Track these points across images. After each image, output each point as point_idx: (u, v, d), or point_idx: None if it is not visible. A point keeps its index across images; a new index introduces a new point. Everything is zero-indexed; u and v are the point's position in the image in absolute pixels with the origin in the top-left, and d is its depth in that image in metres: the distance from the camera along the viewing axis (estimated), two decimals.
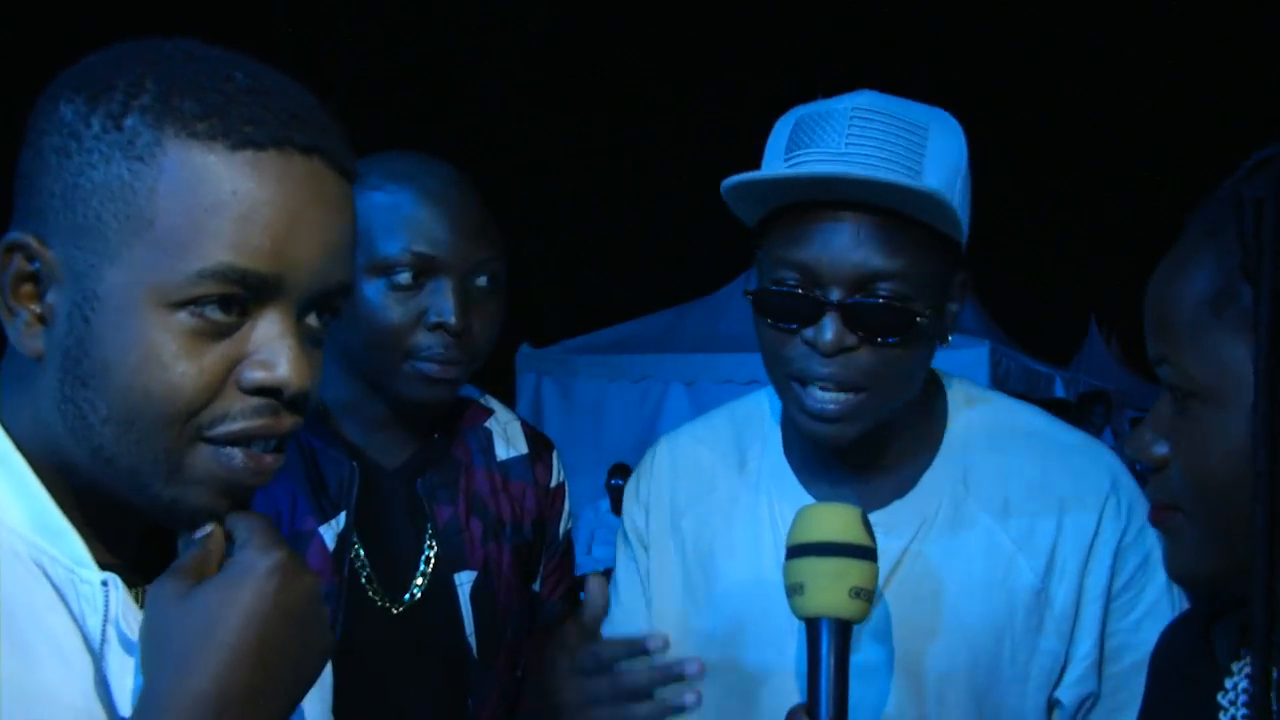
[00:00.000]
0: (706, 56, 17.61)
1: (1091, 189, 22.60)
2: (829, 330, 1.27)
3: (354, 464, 1.53)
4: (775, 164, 1.33)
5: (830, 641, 1.16)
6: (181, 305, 0.82)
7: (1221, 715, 0.99)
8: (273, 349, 0.85)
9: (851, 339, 1.28)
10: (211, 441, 0.85)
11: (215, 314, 0.83)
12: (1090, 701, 1.40)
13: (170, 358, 0.82)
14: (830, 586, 1.17)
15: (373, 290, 1.47)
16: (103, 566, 0.87)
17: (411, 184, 1.48)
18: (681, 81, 17.11)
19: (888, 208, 1.26)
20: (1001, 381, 7.89)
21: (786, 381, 1.33)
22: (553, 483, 1.74)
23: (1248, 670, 0.98)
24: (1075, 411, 8.57)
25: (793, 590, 1.19)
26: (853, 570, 1.17)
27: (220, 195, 0.82)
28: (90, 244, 0.82)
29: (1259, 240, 0.81)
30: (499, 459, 1.68)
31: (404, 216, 1.46)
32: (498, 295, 1.55)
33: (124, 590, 0.88)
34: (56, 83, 0.87)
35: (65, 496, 0.88)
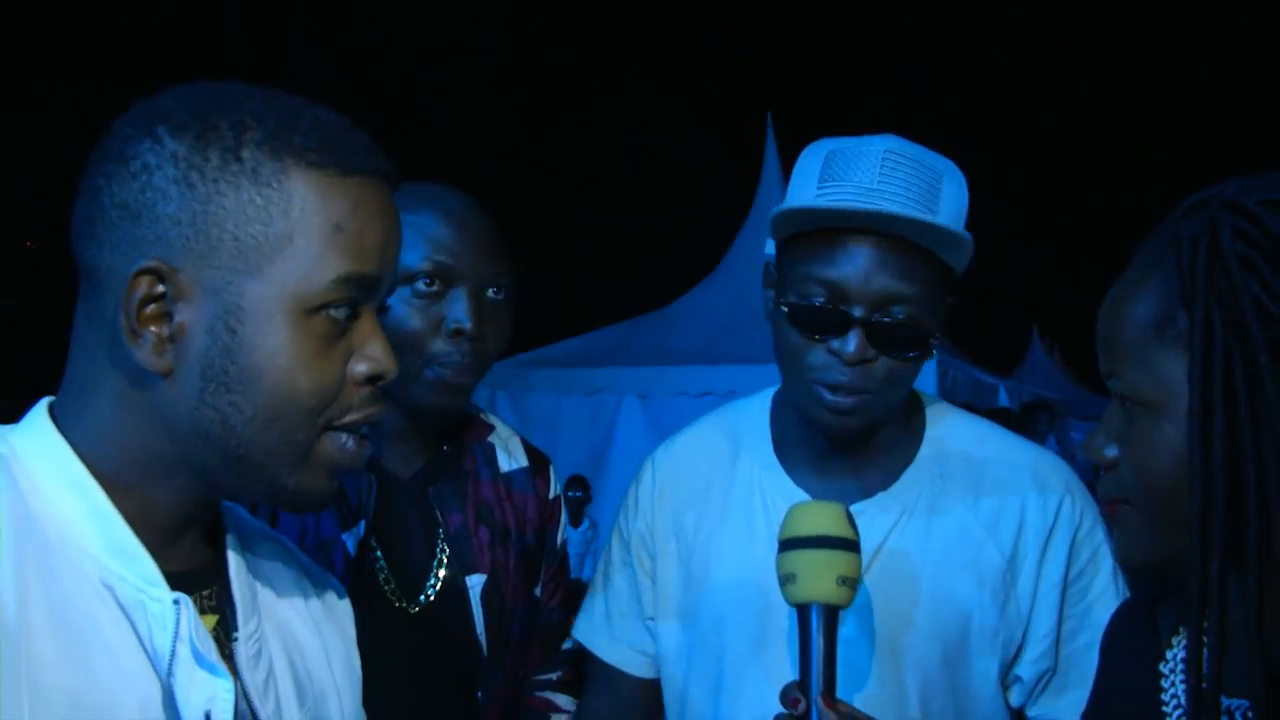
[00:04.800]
0: (663, 76, 17.73)
1: (1033, 204, 23.02)
2: (852, 344, 1.43)
3: (372, 475, 1.63)
4: (807, 190, 1.48)
5: (819, 625, 1.25)
6: (316, 310, 0.92)
7: (1163, 682, 1.13)
8: (373, 344, 0.97)
9: (871, 352, 1.44)
10: (335, 430, 0.96)
11: (340, 315, 0.94)
12: (1047, 676, 1.56)
13: (311, 358, 0.93)
14: (820, 576, 1.26)
15: (395, 300, 1.57)
16: (168, 576, 0.92)
17: (433, 204, 1.61)
18: (636, 100, 17.21)
19: (908, 239, 1.41)
20: (949, 392, 7.98)
21: (807, 383, 1.48)
22: (551, 494, 1.87)
23: (1185, 642, 1.12)
24: (1020, 420, 8.72)
25: (785, 580, 1.29)
26: (839, 561, 1.27)
27: (343, 213, 0.93)
28: (227, 262, 0.90)
29: (1194, 273, 0.95)
30: (502, 470, 1.79)
31: (425, 232, 1.58)
32: (508, 307, 1.66)
33: (194, 610, 0.93)
34: (135, 124, 0.92)
35: (137, 514, 0.93)
